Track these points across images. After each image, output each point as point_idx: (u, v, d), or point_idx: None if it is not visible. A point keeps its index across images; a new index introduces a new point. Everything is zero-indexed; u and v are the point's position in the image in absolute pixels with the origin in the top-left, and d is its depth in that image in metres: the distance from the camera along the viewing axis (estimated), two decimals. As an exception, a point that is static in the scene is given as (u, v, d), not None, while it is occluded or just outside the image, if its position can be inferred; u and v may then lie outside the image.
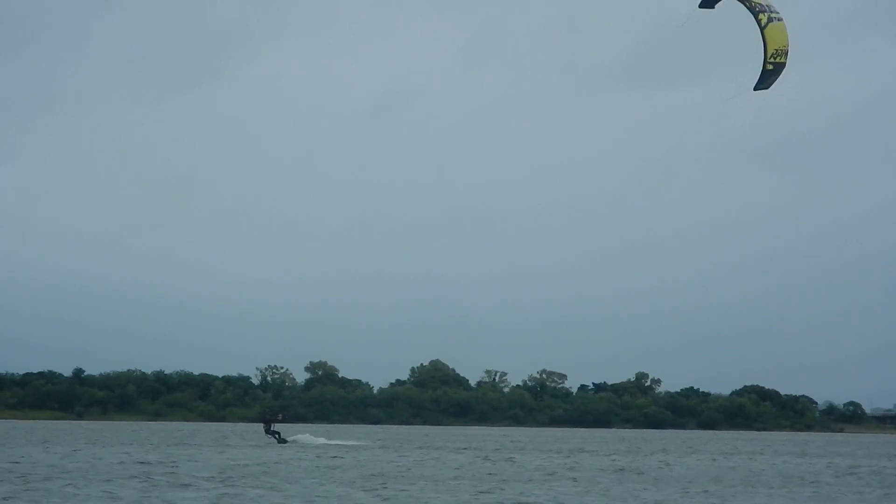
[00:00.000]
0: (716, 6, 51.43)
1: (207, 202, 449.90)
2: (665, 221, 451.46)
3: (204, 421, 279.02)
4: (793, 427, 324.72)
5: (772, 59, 50.65)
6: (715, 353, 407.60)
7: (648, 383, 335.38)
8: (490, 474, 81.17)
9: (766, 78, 50.55)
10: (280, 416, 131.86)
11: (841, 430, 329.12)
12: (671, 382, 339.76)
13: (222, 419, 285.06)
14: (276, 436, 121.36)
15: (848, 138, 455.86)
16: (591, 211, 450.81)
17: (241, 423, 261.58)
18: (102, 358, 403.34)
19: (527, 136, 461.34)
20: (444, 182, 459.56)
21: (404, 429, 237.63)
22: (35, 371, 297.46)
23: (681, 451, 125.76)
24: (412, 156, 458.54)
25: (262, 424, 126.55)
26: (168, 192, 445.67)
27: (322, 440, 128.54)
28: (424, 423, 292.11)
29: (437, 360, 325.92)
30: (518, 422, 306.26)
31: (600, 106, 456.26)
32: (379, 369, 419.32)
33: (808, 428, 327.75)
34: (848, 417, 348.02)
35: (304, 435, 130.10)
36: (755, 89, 50.50)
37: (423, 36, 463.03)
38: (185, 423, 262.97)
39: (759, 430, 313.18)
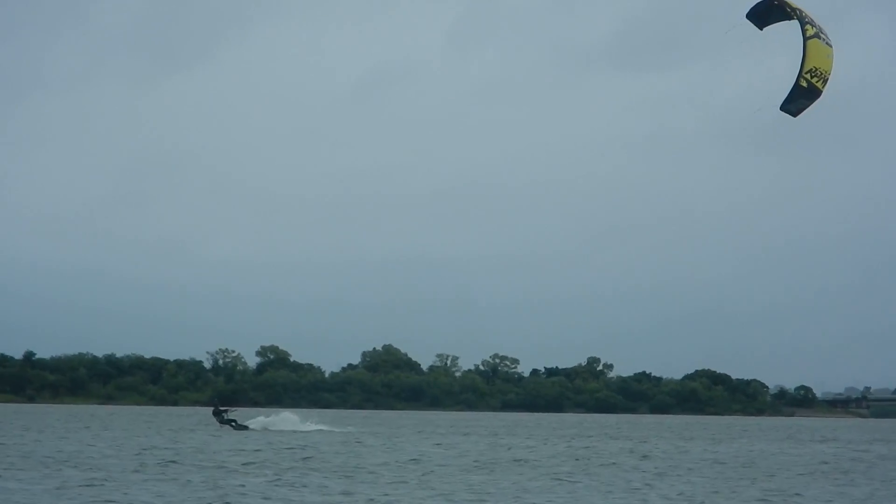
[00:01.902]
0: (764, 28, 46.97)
1: (182, 182, 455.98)
2: (628, 209, 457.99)
3: (155, 405, 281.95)
4: (744, 411, 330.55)
5: (807, 76, 44.98)
6: (667, 337, 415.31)
7: (600, 368, 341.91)
8: (613, 464, 75.74)
9: (796, 98, 45.14)
10: (228, 410, 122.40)
11: (792, 415, 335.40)
12: (623, 367, 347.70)
13: (174, 403, 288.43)
14: (233, 423, 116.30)
15: (838, 121, 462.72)
16: (556, 196, 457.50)
17: (193, 408, 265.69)
18: (53, 341, 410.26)
19: (511, 117, 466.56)
20: (421, 164, 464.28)
21: (361, 413, 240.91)
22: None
23: (675, 437, 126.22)
24: (394, 136, 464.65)
25: (213, 415, 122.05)
26: (144, 172, 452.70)
27: (310, 424, 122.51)
28: (376, 407, 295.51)
29: (389, 344, 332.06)
30: (470, 406, 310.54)
31: (587, 88, 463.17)
32: (331, 353, 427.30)
33: (760, 412, 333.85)
34: (799, 401, 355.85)
35: (259, 418, 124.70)
36: (781, 109, 45.21)
37: (412, 16, 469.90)
38: (138, 406, 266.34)
39: (710, 414, 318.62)
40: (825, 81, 45.39)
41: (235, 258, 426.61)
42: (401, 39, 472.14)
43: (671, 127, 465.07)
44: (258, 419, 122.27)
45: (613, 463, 75.98)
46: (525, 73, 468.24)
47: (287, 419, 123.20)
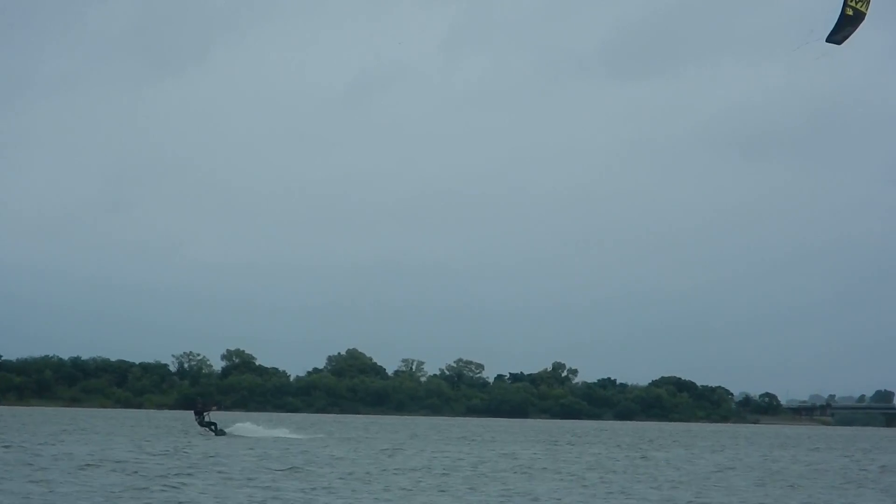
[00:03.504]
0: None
1: (164, 186, 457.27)
2: (600, 218, 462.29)
3: (121, 407, 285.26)
4: (709, 418, 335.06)
5: (852, 3, 43.86)
6: (632, 344, 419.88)
7: (565, 373, 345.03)
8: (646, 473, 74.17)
9: (843, 27, 43.99)
10: (214, 406, 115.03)
11: (756, 422, 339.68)
12: (588, 373, 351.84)
13: (139, 406, 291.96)
14: (213, 427, 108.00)
15: (822, 130, 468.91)
16: (530, 204, 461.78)
17: (159, 410, 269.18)
18: (19, 342, 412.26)
19: (495, 124, 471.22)
20: (398, 170, 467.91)
21: (330, 417, 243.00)
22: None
23: (662, 443, 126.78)
24: (377, 142, 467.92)
25: (193, 415, 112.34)
26: (128, 175, 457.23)
27: (283, 431, 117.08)
28: (341, 411, 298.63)
29: (354, 348, 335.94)
30: (435, 411, 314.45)
31: (575, 95, 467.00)
32: (296, 358, 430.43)
33: (724, 419, 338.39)
34: (763, 409, 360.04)
35: (246, 424, 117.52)
36: (827, 40, 44.20)
37: (405, 21, 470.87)
38: (103, 409, 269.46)
39: (675, 420, 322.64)
40: (868, 3, 44.55)
41: (206, 262, 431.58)
42: (393, 44, 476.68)
43: (650, 136, 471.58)
44: (239, 425, 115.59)
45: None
46: (515, 80, 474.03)
47: (263, 428, 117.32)
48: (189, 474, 60.24)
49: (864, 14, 44.15)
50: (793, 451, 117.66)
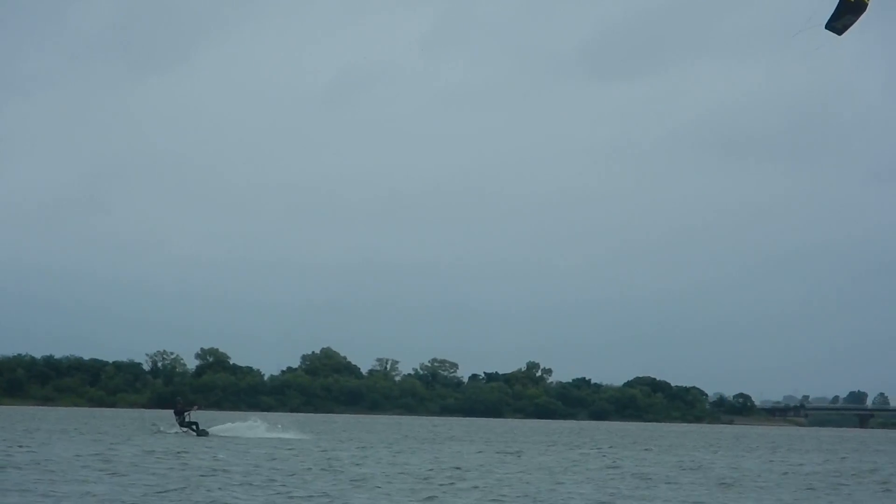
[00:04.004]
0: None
1: (146, 183, 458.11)
2: (578, 218, 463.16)
3: (94, 406, 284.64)
4: (683, 418, 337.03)
5: None
6: (607, 344, 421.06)
7: (539, 373, 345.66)
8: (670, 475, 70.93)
9: (843, 14, 41.05)
10: (196, 406, 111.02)
11: (730, 422, 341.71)
12: (562, 373, 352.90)
13: (113, 405, 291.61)
14: (194, 427, 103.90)
15: (803, 132, 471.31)
16: (509, 204, 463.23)
17: (132, 410, 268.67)
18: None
19: (476, 124, 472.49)
20: (377, 169, 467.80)
21: (305, 417, 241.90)
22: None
23: (665, 447, 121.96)
24: (359, 141, 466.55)
25: (174, 415, 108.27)
26: (110, 172, 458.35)
27: (267, 431, 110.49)
28: (315, 410, 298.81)
29: (329, 347, 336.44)
30: (409, 410, 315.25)
31: (556, 96, 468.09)
32: (270, 356, 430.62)
33: (698, 419, 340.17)
34: (737, 409, 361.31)
35: (229, 425, 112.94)
36: (826, 27, 41.41)
37: (386, 21, 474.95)
38: (76, 408, 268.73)
39: (649, 420, 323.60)
40: None
41: (181, 259, 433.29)
42: (375, 44, 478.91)
43: (630, 138, 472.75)
44: (223, 425, 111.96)
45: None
46: (496, 81, 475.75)
47: (253, 426, 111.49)
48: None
49: (866, 4, 40.90)
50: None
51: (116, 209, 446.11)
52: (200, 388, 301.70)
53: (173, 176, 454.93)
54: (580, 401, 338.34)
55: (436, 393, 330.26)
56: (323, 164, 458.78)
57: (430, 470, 65.43)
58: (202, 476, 55.62)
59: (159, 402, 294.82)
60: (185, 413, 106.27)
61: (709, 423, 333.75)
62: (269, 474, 58.20)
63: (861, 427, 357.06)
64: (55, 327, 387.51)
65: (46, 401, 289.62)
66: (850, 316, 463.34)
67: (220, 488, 49.93)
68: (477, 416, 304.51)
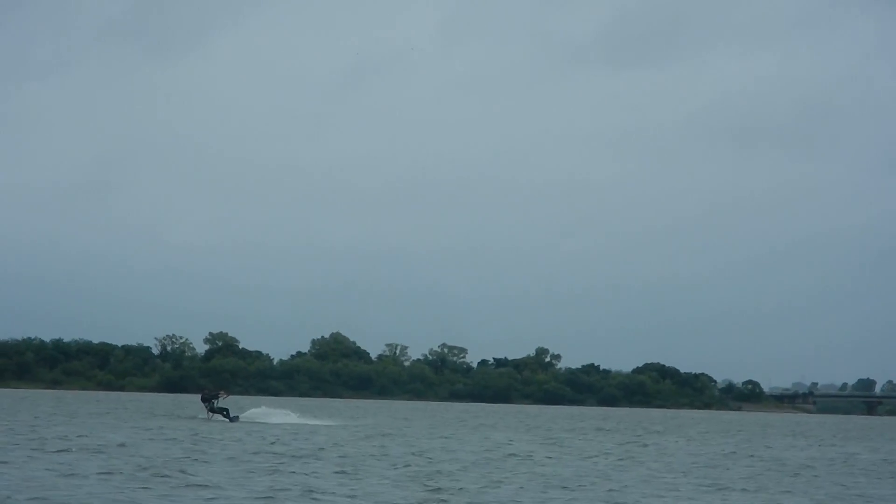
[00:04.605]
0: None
1: (156, 168, 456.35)
2: (588, 205, 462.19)
3: (102, 390, 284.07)
4: (692, 405, 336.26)
5: None
6: (616, 330, 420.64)
7: (548, 359, 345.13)
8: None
9: None
10: (223, 392, 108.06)
11: (739, 409, 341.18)
12: (571, 359, 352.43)
13: (121, 388, 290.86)
14: (225, 413, 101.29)
15: (814, 120, 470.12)
16: (519, 190, 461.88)
17: (141, 393, 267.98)
18: (1, 325, 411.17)
19: (486, 111, 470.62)
20: (393, 155, 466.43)
21: (323, 402, 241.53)
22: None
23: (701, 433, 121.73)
24: (370, 126, 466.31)
25: (201, 401, 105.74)
26: (120, 158, 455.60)
27: (293, 418, 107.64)
28: (324, 395, 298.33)
29: (338, 332, 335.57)
30: (418, 395, 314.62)
31: (569, 83, 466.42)
32: (280, 341, 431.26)
33: (707, 406, 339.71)
34: (746, 396, 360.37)
35: (260, 409, 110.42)
36: None
37: (404, 5, 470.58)
38: (85, 391, 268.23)
39: (657, 407, 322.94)
40: None
41: (190, 244, 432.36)
42: (392, 28, 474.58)
43: (642, 125, 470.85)
44: (253, 410, 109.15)
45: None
46: (510, 67, 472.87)
47: (283, 413, 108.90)
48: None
49: None
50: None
51: (127, 193, 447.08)
52: (209, 372, 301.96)
53: (185, 161, 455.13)
54: (589, 387, 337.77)
55: (445, 378, 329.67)
56: (335, 148, 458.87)
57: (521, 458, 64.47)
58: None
59: (168, 386, 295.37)
60: (214, 399, 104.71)
61: (717, 409, 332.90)
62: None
63: (869, 414, 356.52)
64: (64, 311, 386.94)
65: (55, 384, 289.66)
66: (859, 303, 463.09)
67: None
68: (486, 402, 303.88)
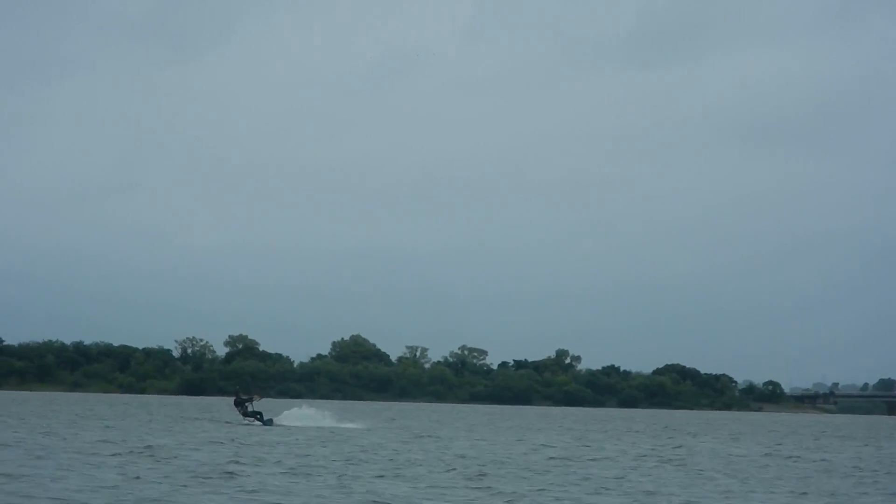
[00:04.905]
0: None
1: (173, 170, 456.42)
2: (606, 205, 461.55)
3: (123, 392, 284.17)
4: (712, 406, 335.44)
5: None
6: (636, 331, 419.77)
7: (569, 360, 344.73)
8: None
9: None
10: (256, 395, 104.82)
11: (759, 410, 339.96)
12: (591, 360, 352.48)
13: (142, 391, 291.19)
14: (258, 417, 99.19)
15: (830, 118, 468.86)
16: (537, 190, 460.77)
17: (163, 396, 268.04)
18: (22, 327, 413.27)
19: (501, 110, 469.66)
20: (412, 154, 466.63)
21: (344, 403, 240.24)
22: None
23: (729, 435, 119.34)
24: (392, 126, 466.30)
25: (234, 405, 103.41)
26: (138, 158, 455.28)
27: (328, 420, 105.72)
28: (345, 397, 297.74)
29: (358, 334, 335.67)
30: (439, 398, 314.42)
31: (590, 81, 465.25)
32: (300, 343, 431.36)
33: (728, 407, 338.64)
34: (767, 396, 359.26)
35: (298, 410, 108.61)
36: None
37: (428, 4, 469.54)
38: (105, 394, 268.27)
39: (678, 408, 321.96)
40: None
41: (210, 246, 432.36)
42: (414, 28, 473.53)
43: (659, 123, 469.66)
44: (287, 413, 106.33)
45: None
46: (529, 66, 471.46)
47: (315, 415, 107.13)
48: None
49: None
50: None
51: (146, 196, 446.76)
52: (229, 374, 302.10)
53: (201, 161, 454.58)
54: (609, 388, 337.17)
55: (465, 380, 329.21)
56: (355, 149, 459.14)
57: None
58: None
59: (189, 389, 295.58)
60: (247, 403, 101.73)
61: (738, 410, 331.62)
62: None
63: (889, 414, 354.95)
64: (85, 314, 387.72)
65: (76, 386, 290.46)
66: (880, 302, 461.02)
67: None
68: (506, 404, 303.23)
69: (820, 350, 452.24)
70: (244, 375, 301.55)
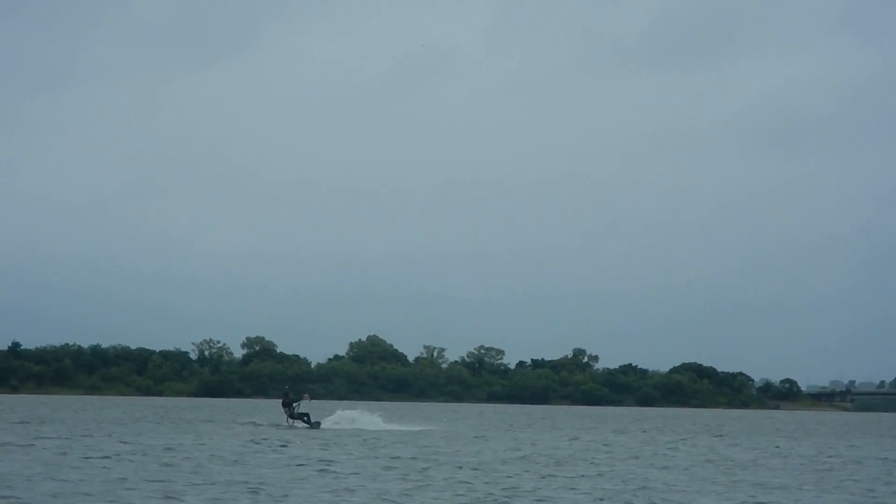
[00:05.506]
0: None
1: (193, 176, 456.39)
2: (623, 207, 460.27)
3: (141, 395, 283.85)
4: (729, 404, 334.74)
5: None
6: (653, 330, 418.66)
7: (586, 360, 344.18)
8: None
9: None
10: (306, 395, 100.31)
11: (777, 408, 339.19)
12: (608, 359, 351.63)
13: (160, 393, 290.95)
14: (305, 419, 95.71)
15: (852, 118, 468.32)
16: (554, 193, 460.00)
17: (178, 398, 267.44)
18: (39, 331, 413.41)
19: (526, 114, 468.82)
20: (432, 159, 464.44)
21: (365, 404, 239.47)
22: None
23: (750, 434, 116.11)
24: (409, 132, 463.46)
25: (281, 406, 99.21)
26: (158, 165, 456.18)
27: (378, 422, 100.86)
28: (362, 398, 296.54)
29: (375, 335, 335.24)
30: (456, 398, 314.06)
31: (614, 83, 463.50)
32: (317, 345, 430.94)
33: (745, 405, 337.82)
34: (784, 395, 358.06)
35: (350, 413, 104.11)
36: None
37: (450, 8, 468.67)
38: (123, 397, 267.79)
39: (695, 406, 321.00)
40: None
41: (227, 251, 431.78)
42: (436, 31, 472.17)
43: (678, 124, 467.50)
44: (338, 414, 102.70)
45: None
46: (554, 69, 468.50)
47: (369, 418, 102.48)
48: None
49: None
50: None
51: (161, 200, 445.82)
52: (247, 376, 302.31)
53: (219, 167, 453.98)
54: (627, 387, 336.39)
55: (482, 380, 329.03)
56: (373, 154, 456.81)
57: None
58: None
59: (206, 391, 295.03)
60: (295, 404, 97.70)
61: (755, 408, 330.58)
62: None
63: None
64: (102, 317, 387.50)
65: (94, 390, 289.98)
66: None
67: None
68: (523, 403, 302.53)
69: (836, 348, 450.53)
70: (262, 377, 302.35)
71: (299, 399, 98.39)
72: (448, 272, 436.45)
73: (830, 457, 75.42)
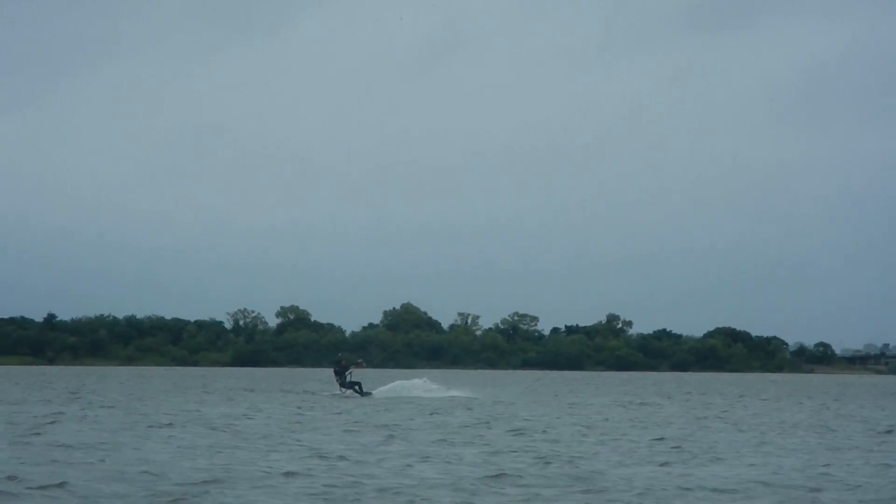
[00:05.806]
0: None
1: (225, 151, 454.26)
2: (656, 173, 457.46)
3: (176, 365, 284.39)
4: (763, 368, 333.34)
5: None
6: (687, 295, 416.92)
7: (620, 325, 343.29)
8: None
9: None
10: (360, 360, 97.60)
11: (811, 371, 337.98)
12: (642, 325, 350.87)
13: (195, 363, 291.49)
14: (357, 388, 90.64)
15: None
16: (587, 160, 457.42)
17: (214, 368, 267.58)
18: (75, 303, 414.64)
19: (561, 79, 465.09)
20: (464, 129, 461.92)
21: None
22: (6, 317, 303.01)
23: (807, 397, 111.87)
24: (442, 102, 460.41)
25: (334, 374, 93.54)
26: (196, 140, 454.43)
27: (435, 390, 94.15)
28: (397, 366, 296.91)
29: (409, 303, 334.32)
30: (491, 364, 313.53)
31: (652, 49, 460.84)
32: (351, 313, 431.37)
33: (779, 369, 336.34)
34: (818, 358, 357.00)
35: (415, 381, 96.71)
36: None
37: None
38: (159, 367, 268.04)
39: (730, 371, 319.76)
40: None
41: (262, 224, 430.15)
42: (467, 7, 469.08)
43: (709, 92, 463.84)
44: (388, 386, 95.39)
45: None
46: (585, 36, 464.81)
47: (419, 385, 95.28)
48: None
49: None
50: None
51: (199, 176, 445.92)
52: (282, 345, 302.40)
53: (252, 142, 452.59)
54: (661, 352, 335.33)
55: (517, 347, 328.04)
56: (408, 124, 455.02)
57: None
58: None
59: (241, 360, 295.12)
60: (348, 372, 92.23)
61: (789, 372, 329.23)
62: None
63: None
64: (137, 288, 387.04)
65: (129, 360, 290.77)
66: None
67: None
68: (558, 369, 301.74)
69: (870, 311, 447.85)
70: (297, 346, 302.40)
71: (353, 366, 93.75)
72: (482, 240, 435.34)
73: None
